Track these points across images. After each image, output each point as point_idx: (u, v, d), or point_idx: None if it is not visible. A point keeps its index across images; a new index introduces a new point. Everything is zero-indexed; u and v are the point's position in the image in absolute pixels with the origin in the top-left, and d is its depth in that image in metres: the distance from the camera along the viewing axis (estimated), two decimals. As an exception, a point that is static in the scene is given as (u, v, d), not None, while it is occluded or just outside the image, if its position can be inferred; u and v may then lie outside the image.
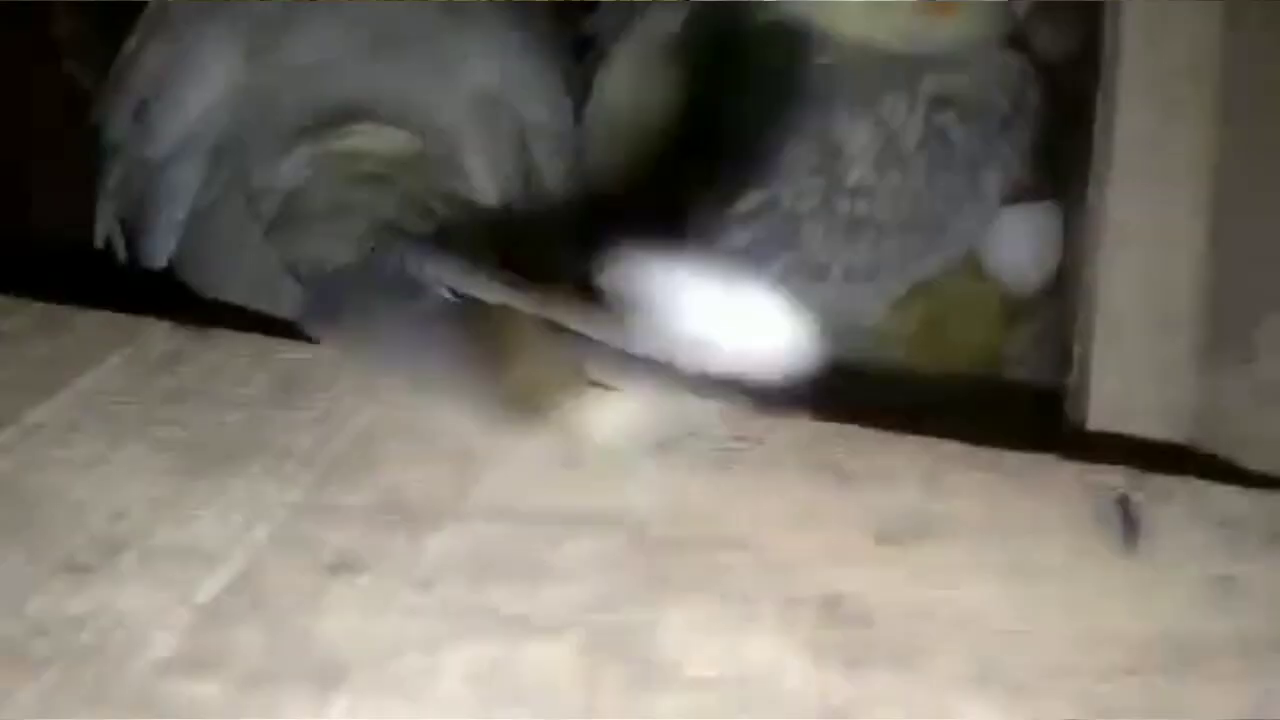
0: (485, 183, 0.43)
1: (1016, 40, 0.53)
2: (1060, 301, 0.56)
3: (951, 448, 0.28)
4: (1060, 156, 0.60)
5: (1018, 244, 0.59)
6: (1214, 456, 0.33)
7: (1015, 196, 0.60)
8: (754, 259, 0.48)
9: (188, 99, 0.43)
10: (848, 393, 0.52)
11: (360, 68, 0.43)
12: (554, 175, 0.47)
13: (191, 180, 0.43)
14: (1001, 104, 0.50)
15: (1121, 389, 0.38)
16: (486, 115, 0.44)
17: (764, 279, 0.48)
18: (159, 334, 0.31)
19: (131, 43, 0.47)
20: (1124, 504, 0.26)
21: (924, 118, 0.49)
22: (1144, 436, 0.37)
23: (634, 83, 0.51)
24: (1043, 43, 0.63)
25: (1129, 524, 0.25)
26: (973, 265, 0.57)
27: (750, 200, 0.48)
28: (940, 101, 0.49)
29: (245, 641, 0.21)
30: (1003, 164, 0.51)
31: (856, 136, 0.48)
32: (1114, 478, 0.27)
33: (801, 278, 0.48)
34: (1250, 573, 0.24)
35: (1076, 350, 0.41)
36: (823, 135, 0.48)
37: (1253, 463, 0.33)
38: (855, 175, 0.48)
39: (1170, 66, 0.40)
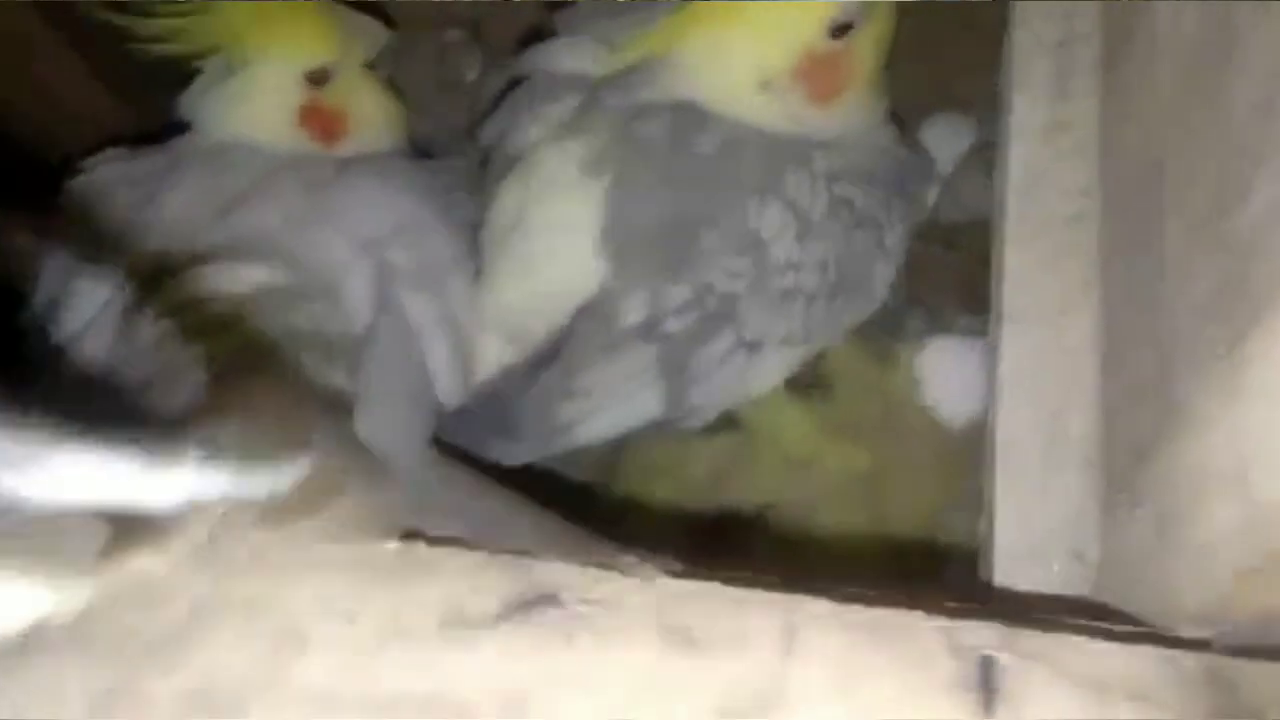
0: (360, 312, 0.47)
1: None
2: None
3: (815, 607, 0.26)
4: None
5: (949, 377, 0.59)
6: (1106, 608, 0.32)
7: (946, 329, 0.61)
8: (697, 341, 0.49)
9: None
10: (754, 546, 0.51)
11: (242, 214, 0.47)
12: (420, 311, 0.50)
13: None
14: (888, 171, 0.52)
15: (1022, 537, 0.37)
16: (367, 256, 0.48)
17: (708, 357, 0.49)
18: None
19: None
20: (986, 667, 0.24)
21: (825, 189, 0.50)
22: (1043, 591, 0.36)
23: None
24: (966, 198, 0.65)
25: (988, 690, 0.23)
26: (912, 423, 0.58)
27: (680, 293, 0.48)
28: (833, 175, 0.50)
29: None
30: (900, 220, 0.53)
31: (770, 218, 0.49)
32: (982, 637, 0.25)
33: (744, 351, 0.49)
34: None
35: (985, 497, 0.40)
36: (739, 220, 0.49)
37: (1148, 608, 0.31)
38: (780, 254, 0.49)
39: (1050, 215, 0.41)
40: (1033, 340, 0.39)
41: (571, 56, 0.56)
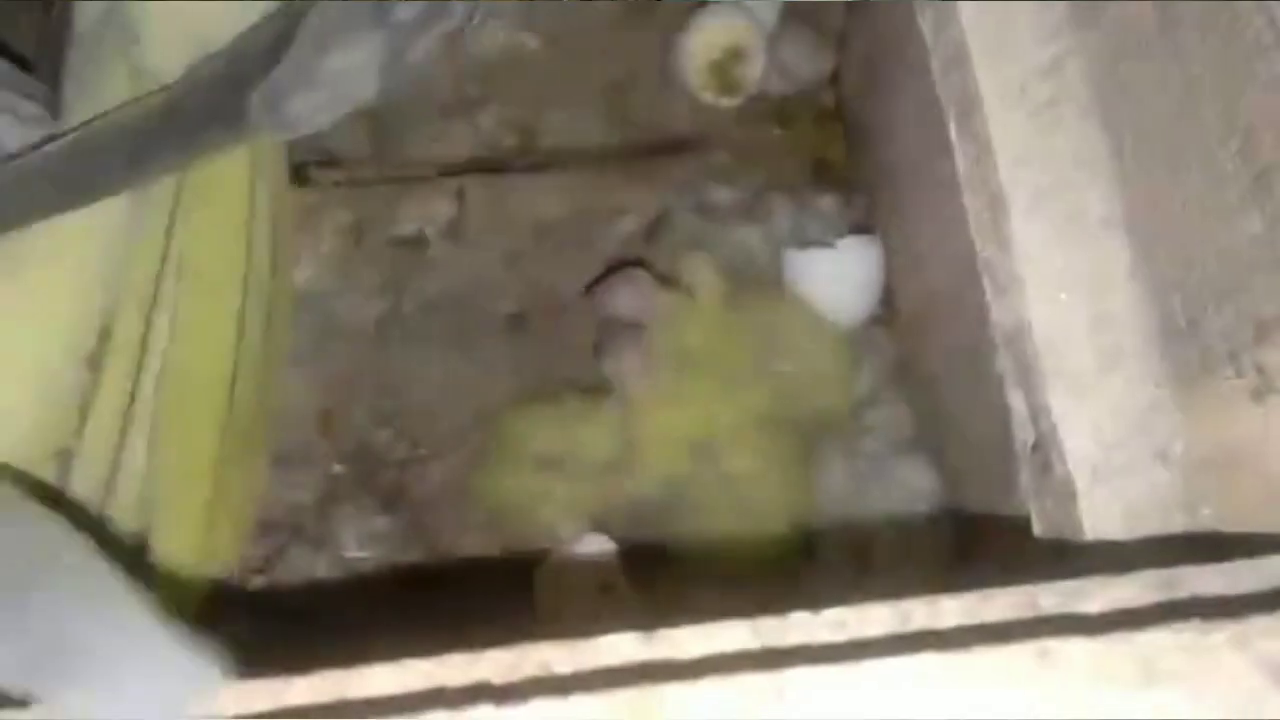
0: None
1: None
2: (910, 340, 0.52)
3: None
4: (861, 189, 0.56)
5: (838, 278, 0.54)
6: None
7: (810, 211, 0.56)
8: (423, 28, 0.46)
9: None
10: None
11: None
12: None
13: None
14: None
15: (1097, 449, 0.32)
16: None
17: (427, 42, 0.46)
18: None
19: None
20: None
21: None
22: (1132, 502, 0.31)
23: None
24: (791, 67, 0.59)
25: None
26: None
27: None
28: None
29: None
30: None
31: None
32: None
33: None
34: None
35: (1019, 408, 0.35)
36: None
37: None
38: None
39: (1025, 68, 0.35)
40: (1047, 221, 0.34)
41: None
